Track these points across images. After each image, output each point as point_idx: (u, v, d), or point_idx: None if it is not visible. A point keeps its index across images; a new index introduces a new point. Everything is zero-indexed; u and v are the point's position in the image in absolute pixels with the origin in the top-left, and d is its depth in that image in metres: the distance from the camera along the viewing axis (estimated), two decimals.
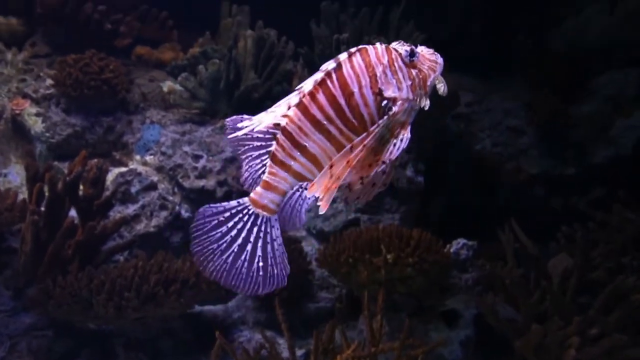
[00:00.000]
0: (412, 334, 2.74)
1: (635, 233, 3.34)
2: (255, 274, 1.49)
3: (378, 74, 1.39)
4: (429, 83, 1.43)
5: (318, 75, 1.40)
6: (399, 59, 1.41)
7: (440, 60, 1.45)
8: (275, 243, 1.49)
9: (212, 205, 1.51)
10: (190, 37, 5.12)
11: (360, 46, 1.43)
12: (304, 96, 1.39)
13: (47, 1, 4.61)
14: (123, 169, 4.13)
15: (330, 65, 1.40)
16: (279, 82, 4.46)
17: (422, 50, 1.45)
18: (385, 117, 1.39)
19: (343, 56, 1.40)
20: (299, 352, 3.26)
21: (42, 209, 3.38)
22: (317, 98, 1.39)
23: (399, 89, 1.40)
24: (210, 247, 1.49)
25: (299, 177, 1.46)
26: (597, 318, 2.75)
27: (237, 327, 3.64)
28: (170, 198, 4.09)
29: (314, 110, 1.39)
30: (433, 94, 1.46)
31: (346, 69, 1.39)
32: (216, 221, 1.49)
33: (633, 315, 2.75)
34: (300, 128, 1.41)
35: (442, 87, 1.44)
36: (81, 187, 3.50)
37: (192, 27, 5.17)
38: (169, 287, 3.23)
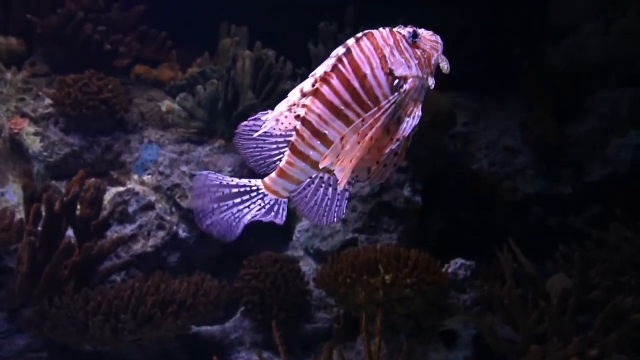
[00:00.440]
0: (410, 356, 2.72)
1: (634, 252, 3.34)
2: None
3: (387, 55, 1.43)
4: (433, 62, 1.47)
5: (330, 62, 1.43)
6: (404, 40, 1.46)
7: (440, 40, 1.50)
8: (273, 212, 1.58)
9: (218, 176, 1.58)
10: (189, 57, 5.15)
11: (365, 31, 1.46)
12: (317, 82, 1.42)
13: (47, 22, 4.64)
14: (121, 189, 4.13)
15: (340, 50, 1.43)
16: (277, 102, 4.47)
17: (422, 32, 1.50)
18: (397, 93, 1.42)
19: (351, 41, 1.43)
20: None
21: (40, 229, 3.37)
22: (332, 83, 1.42)
23: (409, 67, 1.44)
24: (211, 206, 1.57)
25: (317, 167, 1.48)
26: (597, 338, 2.74)
27: (235, 349, 3.61)
28: (168, 218, 4.08)
29: (331, 96, 1.42)
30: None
31: (356, 53, 1.42)
32: (221, 194, 1.56)
33: (633, 335, 2.74)
34: (320, 117, 1.44)
35: (445, 66, 1.48)
36: (79, 207, 3.50)
37: (191, 47, 5.20)
38: (166, 308, 3.21)
